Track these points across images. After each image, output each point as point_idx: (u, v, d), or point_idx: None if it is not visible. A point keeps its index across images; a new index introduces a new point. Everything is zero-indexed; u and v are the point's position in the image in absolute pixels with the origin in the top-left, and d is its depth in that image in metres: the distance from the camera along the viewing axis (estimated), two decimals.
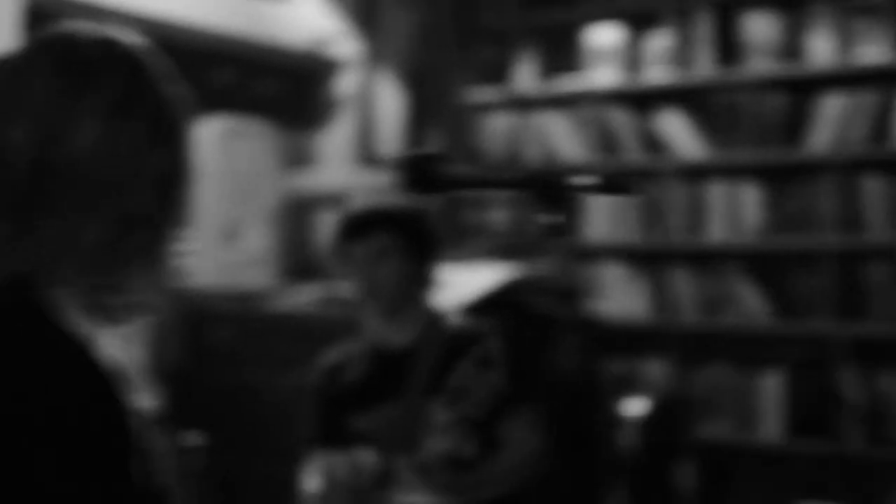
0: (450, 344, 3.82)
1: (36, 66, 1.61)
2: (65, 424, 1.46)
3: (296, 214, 6.65)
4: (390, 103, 6.84)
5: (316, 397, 4.02)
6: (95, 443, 1.49)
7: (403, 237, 3.86)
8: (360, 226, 3.88)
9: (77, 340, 1.54)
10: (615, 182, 1.75)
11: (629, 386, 6.18)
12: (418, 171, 1.76)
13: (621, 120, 6.31)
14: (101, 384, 1.52)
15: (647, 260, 6.24)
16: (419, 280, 3.91)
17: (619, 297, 6.24)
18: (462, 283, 4.89)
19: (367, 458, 3.74)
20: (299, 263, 6.66)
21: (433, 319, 3.93)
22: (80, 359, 1.53)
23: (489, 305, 4.84)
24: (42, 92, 1.59)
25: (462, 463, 3.72)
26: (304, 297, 5.64)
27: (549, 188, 1.70)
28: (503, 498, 3.85)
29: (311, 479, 3.94)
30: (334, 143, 6.83)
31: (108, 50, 1.63)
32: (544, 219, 1.69)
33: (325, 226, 6.77)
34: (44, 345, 1.53)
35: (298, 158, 6.74)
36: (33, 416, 1.45)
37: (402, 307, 3.89)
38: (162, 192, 1.64)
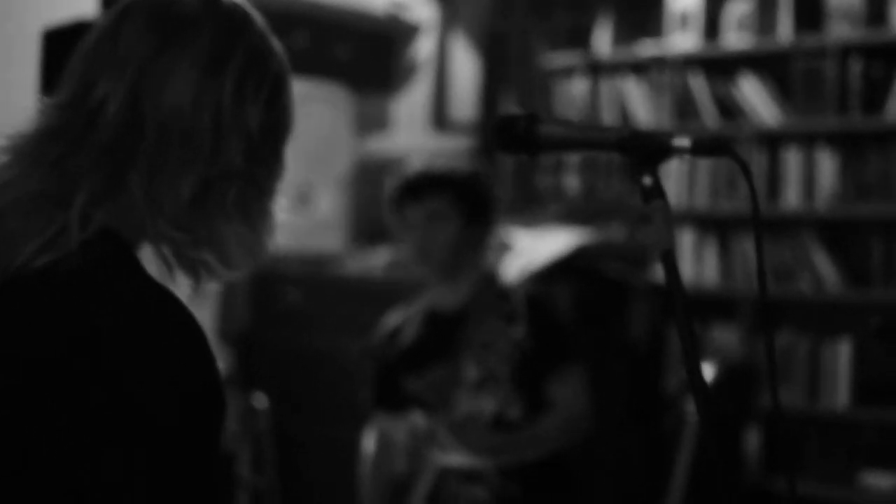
0: (500, 306, 3.83)
1: (130, 22, 1.60)
2: (164, 380, 1.46)
3: (369, 178, 6.66)
4: (465, 68, 6.83)
5: (375, 361, 4.03)
6: (195, 401, 1.49)
7: (458, 200, 3.85)
8: (415, 189, 3.88)
9: (171, 295, 1.54)
10: (716, 144, 1.73)
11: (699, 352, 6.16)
12: (513, 132, 1.74)
13: (699, 86, 6.27)
14: (199, 341, 1.52)
15: (718, 226, 6.21)
16: (473, 243, 3.90)
17: (689, 263, 6.22)
18: (534, 248, 4.88)
19: (419, 420, 3.75)
20: (371, 227, 6.67)
21: (487, 282, 3.93)
22: (177, 313, 1.52)
23: (560, 271, 4.83)
24: (135, 47, 1.58)
25: (507, 424, 3.72)
26: (374, 261, 5.65)
27: (650, 148, 1.68)
28: (548, 460, 3.85)
29: (369, 442, 3.96)
30: (408, 108, 6.83)
31: (202, 5, 1.62)
32: (645, 181, 1.67)
33: None
34: (140, 298, 1.53)
35: (372, 123, 6.75)
36: (132, 371, 1.45)
37: (456, 270, 3.89)
38: (259, 149, 1.62)
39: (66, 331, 1.47)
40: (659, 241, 1.67)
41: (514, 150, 1.78)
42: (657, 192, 1.68)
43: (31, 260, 1.50)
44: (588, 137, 1.79)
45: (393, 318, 4.06)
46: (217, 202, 1.59)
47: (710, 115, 6.23)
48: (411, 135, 6.36)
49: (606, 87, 6.56)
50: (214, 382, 1.51)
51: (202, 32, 1.60)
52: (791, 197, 5.99)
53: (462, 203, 3.85)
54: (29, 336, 1.49)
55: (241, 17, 1.65)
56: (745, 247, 6.09)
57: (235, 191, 1.60)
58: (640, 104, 6.45)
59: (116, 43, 1.59)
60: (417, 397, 3.84)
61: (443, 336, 3.86)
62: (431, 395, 3.81)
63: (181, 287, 1.61)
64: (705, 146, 1.71)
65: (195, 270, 1.62)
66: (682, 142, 1.68)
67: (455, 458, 3.70)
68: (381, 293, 5.35)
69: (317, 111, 6.25)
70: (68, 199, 1.53)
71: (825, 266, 5.88)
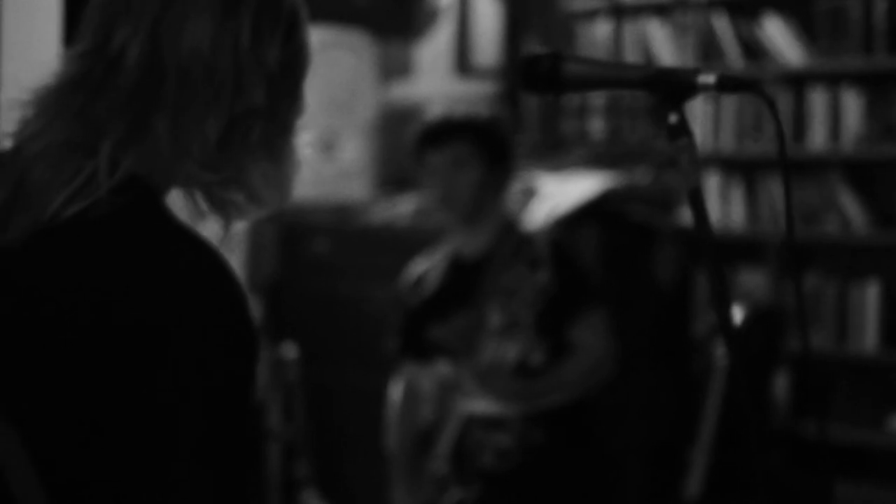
0: (522, 251, 3.84)
1: None
2: (200, 330, 1.47)
3: (393, 125, 6.65)
4: (487, 12, 6.80)
5: (401, 309, 4.04)
6: (230, 350, 1.49)
7: (479, 146, 3.85)
8: (437, 135, 3.88)
9: (203, 242, 1.55)
10: (742, 81, 1.72)
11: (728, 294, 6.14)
12: (538, 71, 1.74)
13: (722, 27, 6.23)
14: (233, 288, 1.52)
15: (744, 169, 6.19)
16: (495, 189, 3.90)
17: (716, 206, 6.19)
18: (560, 192, 4.88)
19: (444, 368, 3.76)
20: (396, 175, 6.66)
21: (509, 228, 3.92)
22: (210, 261, 1.53)
23: (586, 215, 4.83)
24: None
25: (530, 370, 3.73)
26: (400, 209, 5.65)
27: (675, 86, 1.67)
28: (572, 405, 3.86)
29: (396, 390, 3.98)
30: (431, 53, 6.81)
31: None
32: (671, 118, 1.66)
33: None
34: (172, 246, 1.53)
35: (396, 69, 6.73)
36: (168, 322, 1.46)
37: (478, 216, 3.89)
38: (279, 86, 1.62)
39: (100, 282, 1.48)
40: (686, 179, 1.66)
41: (539, 89, 1.77)
42: (683, 129, 1.67)
43: (61, 210, 1.50)
44: (613, 76, 1.78)
45: (417, 266, 4.07)
46: (242, 141, 1.59)
47: (734, 57, 6.20)
48: (435, 80, 6.35)
49: (630, 29, 6.53)
50: (249, 331, 1.51)
51: None
52: (817, 138, 5.96)
53: (483, 148, 3.85)
54: (64, 287, 1.50)
55: None
56: (772, 189, 6.07)
57: (259, 129, 1.60)
58: (664, 46, 6.42)
59: None
60: (442, 345, 3.85)
61: (466, 283, 3.87)
62: (456, 342, 3.82)
63: (210, 232, 1.61)
64: (731, 83, 1.70)
65: (226, 210, 1.62)
66: (708, 78, 1.67)
67: (480, 404, 3.71)
68: (407, 241, 5.35)
69: (339, 58, 6.23)
70: (95, 147, 1.53)
71: (852, 207, 5.86)
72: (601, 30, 6.59)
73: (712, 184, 6.21)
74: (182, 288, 1.48)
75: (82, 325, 1.46)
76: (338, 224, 5.76)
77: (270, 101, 1.60)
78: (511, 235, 3.89)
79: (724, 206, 6.19)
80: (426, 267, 4.04)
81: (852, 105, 5.86)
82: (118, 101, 1.55)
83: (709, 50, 6.27)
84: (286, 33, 1.63)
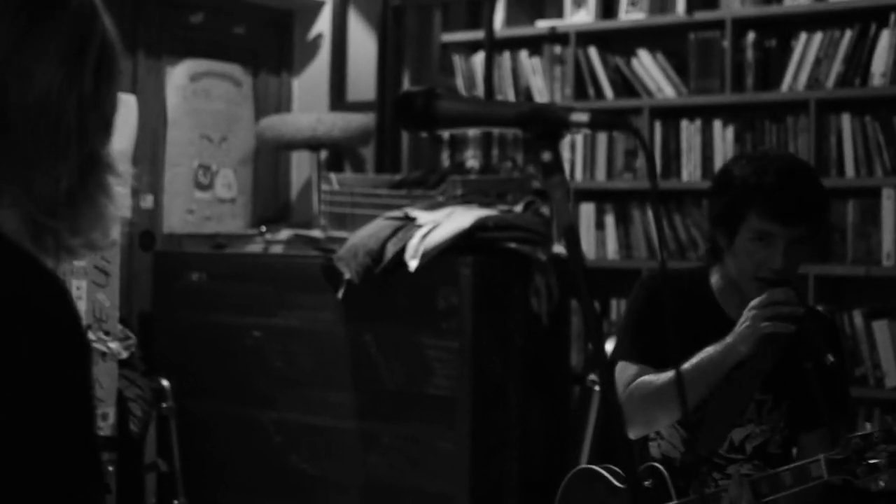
0: None
1: None
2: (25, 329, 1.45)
3: (269, 158, 6.63)
4: (364, 45, 6.81)
5: None
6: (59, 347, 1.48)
7: None
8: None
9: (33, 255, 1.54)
10: (613, 118, 1.74)
11: (600, 325, 6.21)
12: (412, 109, 1.74)
13: (595, 61, 6.30)
14: (63, 296, 1.51)
15: (617, 200, 6.26)
16: None
17: (590, 237, 6.26)
18: (433, 223, 4.89)
19: None
20: (272, 207, 6.65)
21: None
22: (42, 271, 1.52)
23: (460, 245, 4.84)
24: (3, 33, 1.54)
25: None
26: (276, 240, 5.63)
27: (549, 123, 1.68)
28: None
29: None
30: (308, 86, 6.80)
31: None
32: (545, 156, 1.67)
33: (299, 169, 6.75)
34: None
35: (272, 102, 6.72)
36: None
37: None
38: (110, 131, 1.62)
39: None
40: (559, 215, 1.68)
41: (414, 126, 1.78)
42: (556, 167, 1.69)
43: None
44: (486, 113, 1.79)
45: None
46: (87, 186, 1.58)
47: (608, 91, 6.28)
48: (311, 114, 6.33)
49: (505, 64, 6.58)
50: (74, 327, 1.50)
51: (65, 17, 1.57)
52: (690, 169, 6.06)
53: None
54: None
55: (94, 1, 1.63)
56: (646, 221, 6.14)
57: (101, 173, 1.59)
58: (540, 81, 6.48)
59: None
60: None
61: None
62: None
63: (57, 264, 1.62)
64: (603, 120, 1.72)
65: (58, 253, 1.60)
66: (581, 117, 1.69)
67: None
68: (282, 271, 5.34)
69: (216, 91, 6.21)
70: None
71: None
72: (477, 64, 6.63)
73: (587, 216, 6.28)
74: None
75: None
76: (213, 255, 5.73)
77: (105, 148, 1.61)
78: None
79: (600, 238, 6.26)
80: None
81: (724, 137, 5.96)
82: None
83: (583, 84, 6.34)
84: (114, 81, 1.63)
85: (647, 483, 3.30)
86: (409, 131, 1.66)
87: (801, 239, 3.11)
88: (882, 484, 2.88)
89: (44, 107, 1.53)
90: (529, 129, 1.71)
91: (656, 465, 3.29)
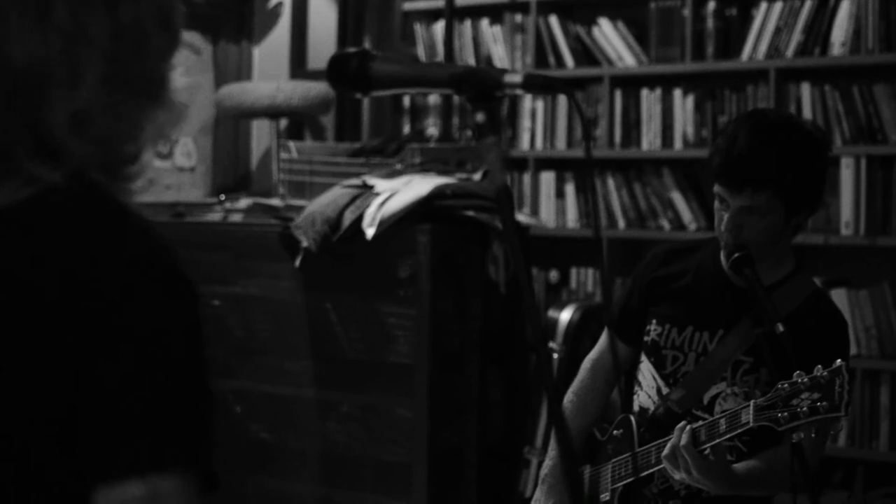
0: None
1: None
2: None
3: (229, 127, 6.61)
4: (324, 14, 6.79)
5: None
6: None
7: None
8: None
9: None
10: (548, 80, 1.74)
11: (560, 294, 6.22)
12: (345, 69, 1.74)
13: (556, 30, 6.30)
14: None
15: (576, 169, 6.27)
16: None
17: (551, 207, 6.27)
18: (394, 192, 4.88)
19: None
20: (232, 175, 6.63)
21: None
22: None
23: (417, 213, 4.83)
24: None
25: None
26: (235, 209, 5.61)
27: (482, 85, 1.68)
28: None
29: None
30: (268, 55, 6.78)
31: None
32: (478, 117, 1.67)
33: (259, 138, 6.73)
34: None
35: (232, 70, 6.69)
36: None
37: None
38: (137, 48, 1.55)
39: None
40: (493, 177, 1.68)
41: (348, 88, 1.77)
42: (490, 128, 1.68)
43: None
44: (421, 75, 1.79)
45: None
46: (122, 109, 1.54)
47: (568, 60, 6.28)
48: (272, 82, 6.31)
49: (466, 32, 6.57)
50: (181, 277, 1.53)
51: None
52: (650, 138, 6.07)
53: None
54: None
55: None
56: (606, 189, 6.14)
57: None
58: (501, 49, 6.48)
59: None
60: None
61: None
62: None
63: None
64: (537, 82, 1.72)
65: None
66: (514, 77, 1.69)
67: None
68: (243, 240, 5.33)
69: (177, 60, 6.17)
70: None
71: (684, 207, 5.96)
72: (439, 31, 6.62)
73: (547, 184, 6.29)
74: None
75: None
76: (171, 225, 5.70)
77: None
78: None
79: (559, 206, 6.27)
80: None
81: (684, 106, 5.97)
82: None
83: (544, 53, 6.34)
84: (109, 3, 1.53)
85: (616, 433, 3.39)
86: (343, 93, 1.63)
87: (756, 209, 3.07)
88: (801, 436, 2.90)
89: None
90: (463, 91, 1.70)
91: (630, 416, 3.36)
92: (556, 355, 5.26)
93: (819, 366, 2.84)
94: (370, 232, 4.74)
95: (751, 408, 2.93)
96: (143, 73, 1.57)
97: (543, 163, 6.32)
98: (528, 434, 5.21)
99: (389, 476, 4.91)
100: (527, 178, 6.32)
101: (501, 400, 5.13)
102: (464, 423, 4.96)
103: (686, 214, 5.95)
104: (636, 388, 3.43)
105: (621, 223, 6.09)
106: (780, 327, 2.95)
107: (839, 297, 5.52)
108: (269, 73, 6.70)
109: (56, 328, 1.41)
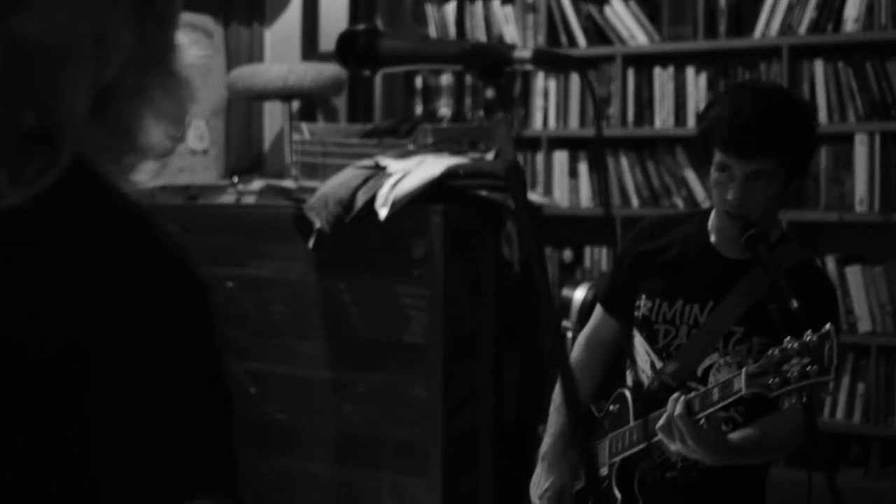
0: None
1: None
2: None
3: (241, 109, 6.61)
4: None
5: None
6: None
7: None
8: None
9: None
10: (557, 56, 1.73)
11: (574, 273, 6.22)
12: (353, 47, 1.73)
13: (568, 9, 6.29)
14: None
15: (592, 148, 6.25)
16: None
17: (564, 186, 6.26)
18: (406, 172, 4.88)
19: None
20: (245, 157, 6.63)
21: None
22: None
23: (431, 193, 4.83)
24: None
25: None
26: (248, 191, 5.61)
27: (491, 60, 1.67)
28: None
29: None
30: (280, 37, 6.77)
31: None
32: (488, 93, 1.66)
33: (271, 120, 6.73)
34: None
35: (244, 53, 6.69)
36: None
37: None
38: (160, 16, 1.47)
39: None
40: (502, 153, 1.67)
41: (356, 65, 1.77)
42: (499, 104, 1.68)
43: None
44: (429, 51, 1.78)
45: None
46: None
47: (581, 39, 6.27)
48: (284, 64, 6.30)
49: (478, 12, 6.56)
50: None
51: None
52: (664, 117, 6.06)
53: None
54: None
55: None
56: (619, 168, 6.13)
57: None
58: (513, 29, 6.47)
59: None
60: None
61: None
62: None
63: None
64: (546, 58, 1.71)
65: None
66: (523, 53, 1.68)
67: None
68: (255, 222, 5.33)
69: (188, 42, 6.17)
70: None
71: (697, 185, 5.95)
72: (450, 11, 6.61)
73: (560, 163, 6.28)
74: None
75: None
76: (185, 207, 5.70)
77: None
78: None
79: (573, 185, 6.26)
80: None
81: (697, 84, 5.96)
82: None
83: (556, 32, 6.33)
84: None
85: (612, 408, 3.42)
86: (352, 70, 1.62)
87: (764, 174, 3.10)
88: (793, 401, 2.92)
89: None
90: (472, 67, 1.70)
91: (626, 391, 3.39)
92: (569, 334, 5.25)
93: (809, 331, 2.85)
94: (383, 212, 4.74)
95: (742, 375, 2.95)
96: (167, 42, 1.49)
97: (556, 142, 6.31)
98: (542, 413, 5.21)
99: (405, 456, 4.92)
100: (540, 157, 6.32)
101: (516, 379, 5.13)
102: (479, 402, 4.97)
103: (699, 192, 5.93)
104: (629, 363, 3.45)
105: (635, 202, 6.09)
106: (795, 303, 2.95)
107: (854, 273, 5.51)
108: (280, 56, 6.70)
109: (63, 345, 1.32)
